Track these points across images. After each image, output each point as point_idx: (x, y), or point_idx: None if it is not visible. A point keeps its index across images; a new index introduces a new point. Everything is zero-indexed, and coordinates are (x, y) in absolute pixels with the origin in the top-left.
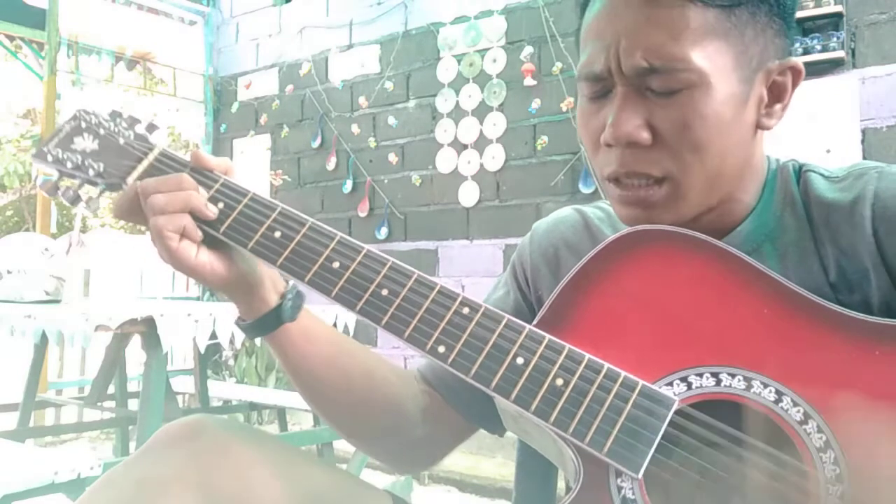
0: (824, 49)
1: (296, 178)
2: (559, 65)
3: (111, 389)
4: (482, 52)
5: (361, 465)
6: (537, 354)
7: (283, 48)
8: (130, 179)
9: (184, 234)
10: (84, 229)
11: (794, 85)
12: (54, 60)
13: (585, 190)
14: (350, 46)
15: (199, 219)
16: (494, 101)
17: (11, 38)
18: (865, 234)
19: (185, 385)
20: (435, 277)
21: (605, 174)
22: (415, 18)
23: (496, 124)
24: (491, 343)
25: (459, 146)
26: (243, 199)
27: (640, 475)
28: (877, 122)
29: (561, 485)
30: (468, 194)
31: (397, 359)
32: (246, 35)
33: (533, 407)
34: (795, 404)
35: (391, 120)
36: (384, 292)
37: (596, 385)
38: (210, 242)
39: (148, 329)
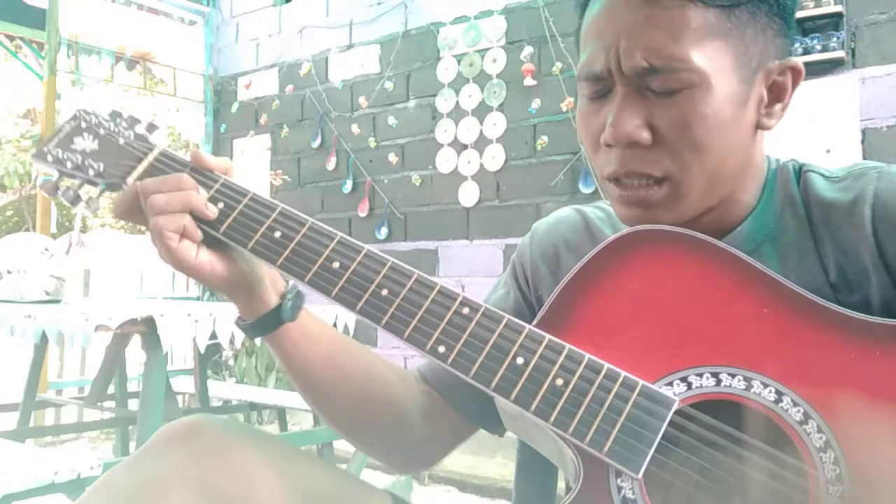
0: (824, 49)
1: (296, 178)
2: (559, 65)
3: (111, 389)
4: (482, 52)
5: (361, 465)
6: (537, 354)
7: (283, 48)
8: (130, 179)
9: (184, 234)
10: (84, 229)
11: (795, 85)
12: (54, 60)
13: (585, 190)
14: (350, 46)
15: (199, 219)
16: (494, 101)
17: (11, 38)
18: (865, 234)
19: (185, 385)
20: (435, 277)
21: (605, 174)
22: (415, 18)
23: (496, 124)
24: (491, 343)
25: (459, 146)
26: (243, 199)
27: (640, 475)
28: (877, 122)
29: (561, 485)
30: (468, 194)
31: (397, 359)
32: (246, 35)
33: (533, 407)
34: (795, 404)
35: (391, 120)
36: (384, 292)
37: (596, 385)
38: (210, 242)
39: (148, 329)
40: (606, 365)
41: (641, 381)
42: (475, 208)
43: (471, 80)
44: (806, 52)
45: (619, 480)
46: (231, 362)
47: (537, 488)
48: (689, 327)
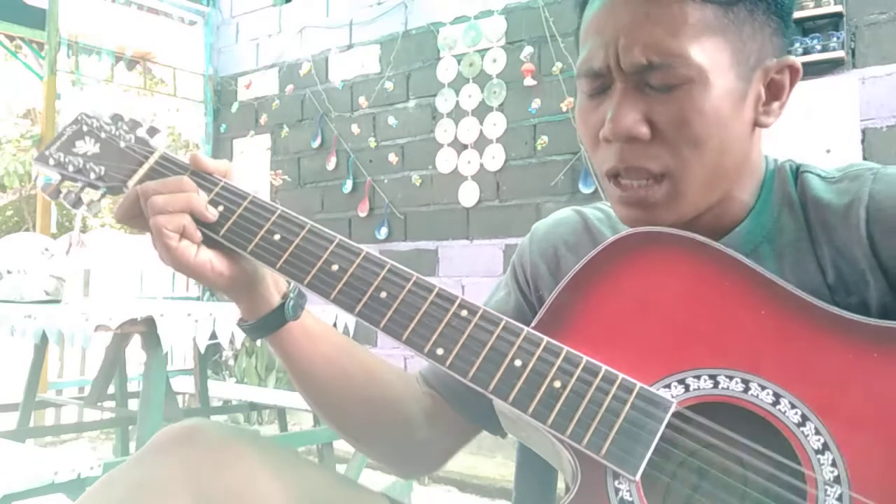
0: (824, 49)
1: (296, 178)
2: (559, 65)
3: (111, 389)
4: (482, 52)
5: (361, 466)
6: (535, 357)
7: (283, 48)
8: (131, 183)
9: (183, 234)
10: (84, 229)
11: (792, 83)
12: (54, 60)
13: (585, 190)
14: (350, 46)
15: (199, 222)
16: (494, 101)
17: (11, 38)
18: (860, 235)
19: (185, 385)
20: (435, 278)
21: (604, 170)
22: (415, 18)
23: (496, 124)
24: (489, 345)
25: (459, 146)
26: (243, 202)
27: (638, 477)
28: (877, 122)
29: (561, 485)
30: (468, 194)
31: (397, 359)
32: (246, 35)
33: (531, 409)
34: (793, 406)
35: (391, 120)
36: (383, 295)
37: (594, 387)
38: (210, 243)
39: (148, 329)
40: (604, 367)
41: (639, 384)
42: (475, 208)
43: (471, 80)
44: (806, 52)
45: (616, 483)
46: (231, 362)
47: (537, 488)
48: (687, 330)
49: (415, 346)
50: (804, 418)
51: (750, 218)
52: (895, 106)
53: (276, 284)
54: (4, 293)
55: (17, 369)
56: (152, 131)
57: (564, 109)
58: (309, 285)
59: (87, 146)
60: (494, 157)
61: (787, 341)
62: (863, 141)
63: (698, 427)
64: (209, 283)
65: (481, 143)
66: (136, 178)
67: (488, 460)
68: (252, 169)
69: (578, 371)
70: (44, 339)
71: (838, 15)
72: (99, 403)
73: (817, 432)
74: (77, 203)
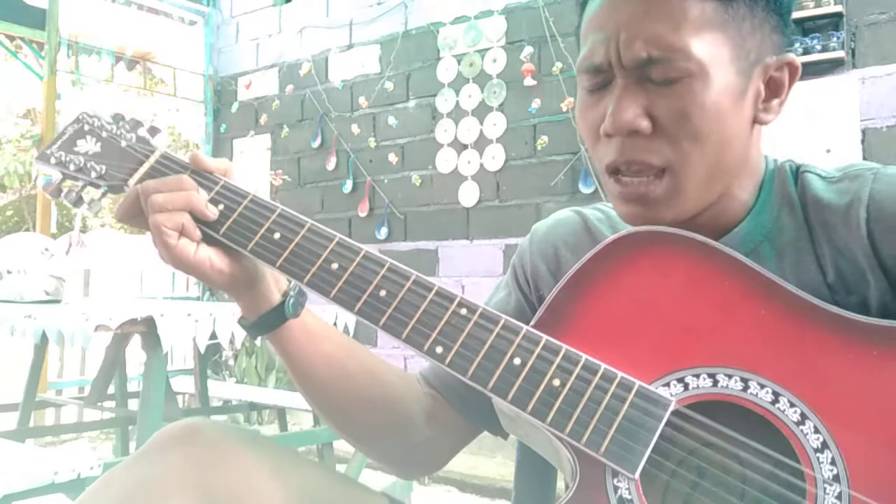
0: (824, 49)
1: (296, 178)
2: (559, 65)
3: (111, 389)
4: (482, 52)
5: (361, 466)
6: (534, 355)
7: (283, 48)
8: (132, 182)
9: (182, 232)
10: (84, 229)
11: (791, 81)
12: (54, 60)
13: (585, 190)
14: (350, 46)
15: (199, 220)
16: (494, 101)
17: (11, 38)
18: (860, 235)
19: (185, 385)
20: (435, 278)
21: (604, 164)
22: (415, 18)
23: (496, 124)
24: (488, 344)
25: (459, 146)
26: (243, 200)
27: (637, 475)
28: (877, 122)
29: (560, 485)
30: (468, 194)
31: (397, 359)
32: (246, 35)
33: (530, 407)
34: (792, 405)
35: (391, 120)
36: (382, 293)
37: (593, 386)
38: (210, 241)
39: (148, 329)
40: (603, 366)
41: (638, 382)
42: (475, 208)
43: (471, 80)
44: (806, 52)
45: (615, 481)
46: (231, 362)
47: (537, 488)
48: (686, 328)
49: (414, 344)
50: (803, 417)
51: (750, 217)
52: (895, 106)
53: (276, 282)
54: (4, 293)
55: (17, 369)
56: (153, 131)
57: (564, 109)
58: (309, 283)
59: (89, 145)
60: (494, 157)
61: (786, 340)
62: (863, 141)
63: (697, 425)
64: (209, 281)
65: (481, 143)
66: (136, 176)
67: (488, 460)
68: (252, 169)
69: (578, 369)
70: (44, 339)
71: (838, 15)
72: (99, 403)
73: (816, 431)
74: (78, 202)
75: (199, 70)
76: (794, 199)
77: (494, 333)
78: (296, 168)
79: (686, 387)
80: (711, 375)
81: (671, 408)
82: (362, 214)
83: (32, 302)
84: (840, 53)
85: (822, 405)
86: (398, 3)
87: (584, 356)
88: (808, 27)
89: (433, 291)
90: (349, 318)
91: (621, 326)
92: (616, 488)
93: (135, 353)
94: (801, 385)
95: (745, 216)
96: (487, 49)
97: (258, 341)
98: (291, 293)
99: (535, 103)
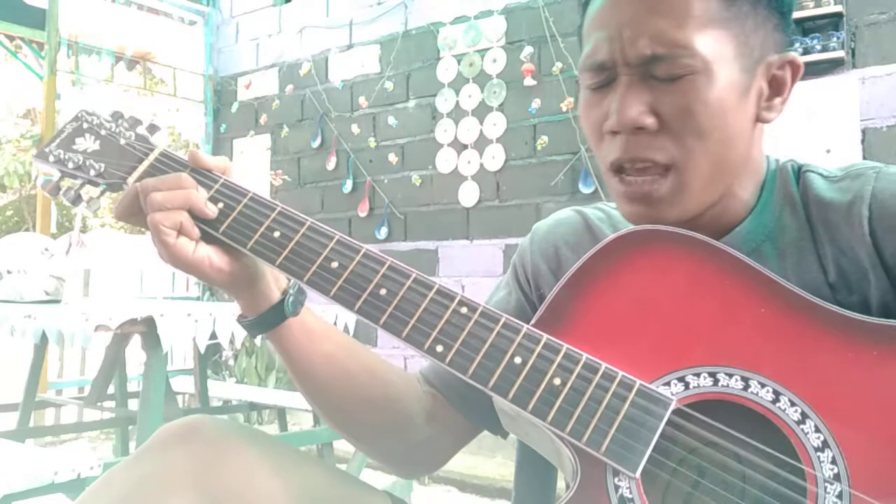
0: (824, 49)
1: (296, 178)
2: (559, 65)
3: (111, 389)
4: (482, 52)
5: (361, 466)
6: (535, 354)
7: (283, 48)
8: (131, 180)
9: (181, 231)
10: (84, 229)
11: (794, 80)
12: (54, 60)
13: (585, 190)
14: (350, 46)
15: (199, 219)
16: (494, 101)
17: (11, 38)
18: (863, 234)
19: (185, 385)
20: (435, 278)
21: (608, 162)
22: (415, 18)
23: (496, 124)
24: (489, 342)
25: (459, 146)
26: (243, 199)
27: (638, 474)
28: (877, 122)
29: (561, 484)
30: (468, 194)
31: (397, 359)
32: (246, 35)
33: (530, 406)
34: (793, 404)
35: (391, 120)
36: (382, 292)
37: (593, 384)
38: (210, 239)
39: (148, 329)
40: (604, 365)
41: (639, 381)
42: (475, 208)
43: (471, 80)
44: (806, 51)
45: (616, 480)
46: (231, 362)
47: (537, 488)
48: (686, 328)
49: (414, 342)
50: (804, 416)
51: (751, 217)
52: (895, 106)
53: (275, 281)
54: (4, 293)
55: (17, 369)
56: (152, 129)
57: (564, 109)
58: (308, 282)
59: (87, 143)
60: (494, 157)
61: (787, 339)
62: (863, 141)
63: (698, 424)
64: (208, 280)
65: (481, 143)
66: (135, 174)
67: (488, 460)
68: (252, 169)
69: (578, 368)
70: (44, 339)
71: (838, 15)
72: (99, 403)
73: (817, 430)
74: (77, 200)
75: (199, 70)
76: (795, 198)
77: (495, 332)
78: (296, 168)
79: (687, 386)
80: (712, 374)
81: (672, 407)
82: (362, 214)
83: (32, 302)
84: (840, 53)
85: (822, 404)
86: (398, 3)
87: (585, 355)
88: (808, 27)
89: (434, 290)
90: (349, 318)
91: (622, 325)
92: (617, 487)
93: (135, 353)
94: (802, 384)
95: (746, 216)
96: (487, 49)
97: (258, 341)
98: (291, 291)
99: (535, 103)
